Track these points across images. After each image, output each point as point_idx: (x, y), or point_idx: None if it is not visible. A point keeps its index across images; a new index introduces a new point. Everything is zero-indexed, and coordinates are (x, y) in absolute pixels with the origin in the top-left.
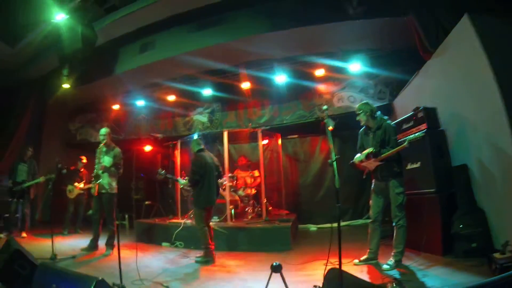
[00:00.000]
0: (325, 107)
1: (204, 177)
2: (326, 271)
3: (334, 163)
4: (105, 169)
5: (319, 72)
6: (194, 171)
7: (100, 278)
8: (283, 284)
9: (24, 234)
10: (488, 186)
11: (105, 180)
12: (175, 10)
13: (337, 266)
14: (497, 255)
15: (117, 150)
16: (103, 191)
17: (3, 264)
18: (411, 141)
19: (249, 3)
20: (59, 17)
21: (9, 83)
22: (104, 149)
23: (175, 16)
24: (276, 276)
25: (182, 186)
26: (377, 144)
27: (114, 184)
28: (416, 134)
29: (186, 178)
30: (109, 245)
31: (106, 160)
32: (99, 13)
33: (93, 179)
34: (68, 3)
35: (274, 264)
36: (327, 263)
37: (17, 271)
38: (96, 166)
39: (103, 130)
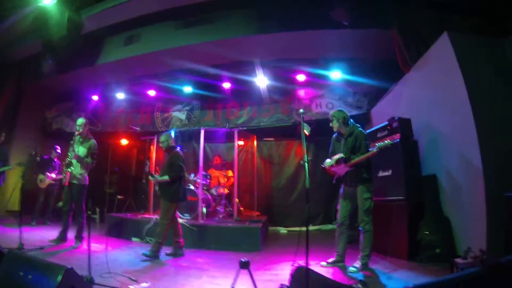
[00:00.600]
0: (301, 110)
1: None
2: (293, 270)
3: (306, 164)
4: (79, 159)
5: (300, 77)
6: (181, 167)
7: (69, 267)
8: (251, 282)
9: None
10: (454, 196)
11: (76, 170)
12: (164, 5)
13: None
14: (458, 260)
15: (93, 141)
16: (74, 181)
17: None
18: (380, 147)
19: (239, 5)
20: (47, 1)
21: None
22: (80, 139)
23: (164, 11)
24: (245, 274)
25: (155, 182)
26: (348, 150)
27: (85, 175)
28: (386, 142)
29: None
30: (78, 237)
31: (81, 151)
32: (88, 1)
33: (64, 167)
34: None
35: (243, 260)
36: (294, 263)
37: None
38: (69, 154)
39: (80, 121)
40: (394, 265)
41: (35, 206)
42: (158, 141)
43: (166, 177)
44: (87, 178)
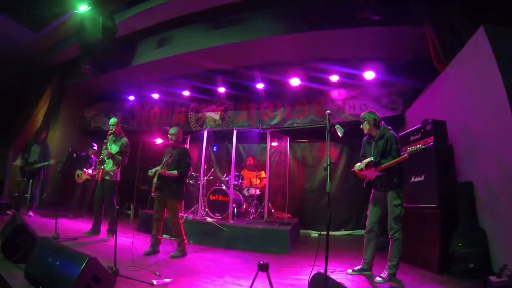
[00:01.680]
0: (328, 111)
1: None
2: (311, 276)
3: (328, 167)
4: (111, 156)
5: (333, 78)
6: (189, 164)
7: (92, 257)
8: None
9: (30, 213)
10: (491, 206)
11: (109, 166)
12: (194, 7)
13: (328, 272)
14: (493, 278)
15: (125, 139)
16: (107, 177)
17: (6, 237)
18: (412, 152)
19: (267, 5)
20: (82, 8)
21: (31, 68)
22: (113, 138)
23: (194, 14)
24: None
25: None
26: (378, 153)
27: (117, 172)
28: (418, 146)
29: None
30: (110, 231)
31: (114, 148)
32: (120, 5)
33: (98, 164)
34: None
35: (261, 263)
36: (313, 268)
37: (18, 244)
38: (102, 152)
39: (112, 120)
40: (423, 277)
41: (72, 200)
42: (167, 133)
43: (175, 172)
44: (118, 174)
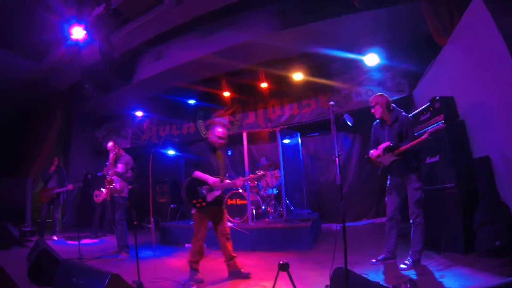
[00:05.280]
0: (331, 102)
1: None
2: (332, 270)
3: (337, 159)
4: (118, 174)
5: (336, 67)
6: None
7: (114, 273)
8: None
9: (55, 237)
10: None
11: (117, 184)
12: (187, 16)
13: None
14: None
15: (128, 157)
16: (116, 194)
17: (32, 262)
18: (433, 133)
19: (260, 3)
20: (78, 32)
21: (37, 95)
22: (116, 159)
23: (189, 22)
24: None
25: None
26: (394, 137)
27: (125, 189)
28: (438, 125)
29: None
30: (123, 247)
31: (119, 167)
32: (115, 25)
33: (107, 184)
34: (86, 18)
35: (281, 262)
36: (332, 263)
37: (43, 268)
38: (109, 173)
39: (110, 145)
40: (448, 260)
41: (93, 220)
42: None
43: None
44: (126, 190)
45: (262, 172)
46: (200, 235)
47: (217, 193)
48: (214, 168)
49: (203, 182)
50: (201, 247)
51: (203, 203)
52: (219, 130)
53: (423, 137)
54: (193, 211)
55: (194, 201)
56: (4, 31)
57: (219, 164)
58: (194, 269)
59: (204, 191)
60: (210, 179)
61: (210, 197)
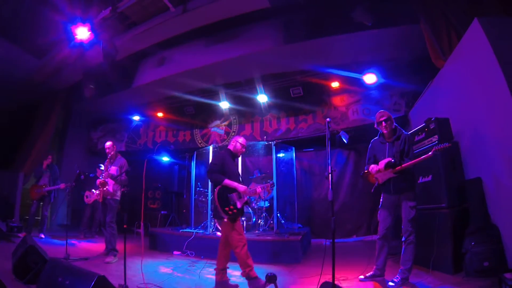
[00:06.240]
0: (328, 119)
1: None
2: (319, 285)
3: (330, 176)
4: (112, 177)
5: (334, 84)
6: None
7: (101, 275)
8: None
9: (42, 235)
10: (502, 201)
11: (110, 187)
12: (192, 24)
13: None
14: (508, 275)
15: (123, 160)
16: (108, 197)
17: (17, 258)
18: (437, 151)
19: (264, 16)
20: (83, 33)
21: (36, 92)
22: (111, 160)
23: (193, 31)
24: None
25: None
26: (396, 154)
27: (118, 191)
28: (443, 144)
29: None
30: (110, 249)
31: (113, 169)
32: (120, 28)
33: (100, 186)
34: (91, 20)
35: (269, 274)
36: (320, 277)
37: (29, 265)
38: (103, 175)
39: (108, 144)
40: (437, 279)
41: (82, 221)
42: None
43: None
44: (119, 193)
45: (271, 182)
46: (243, 239)
47: (244, 200)
48: (237, 176)
49: (233, 190)
50: (247, 251)
51: (234, 210)
52: (243, 139)
53: (429, 154)
54: (225, 219)
55: (227, 208)
56: (11, 24)
57: (238, 172)
58: (254, 278)
59: (235, 198)
60: (240, 186)
61: (239, 204)
